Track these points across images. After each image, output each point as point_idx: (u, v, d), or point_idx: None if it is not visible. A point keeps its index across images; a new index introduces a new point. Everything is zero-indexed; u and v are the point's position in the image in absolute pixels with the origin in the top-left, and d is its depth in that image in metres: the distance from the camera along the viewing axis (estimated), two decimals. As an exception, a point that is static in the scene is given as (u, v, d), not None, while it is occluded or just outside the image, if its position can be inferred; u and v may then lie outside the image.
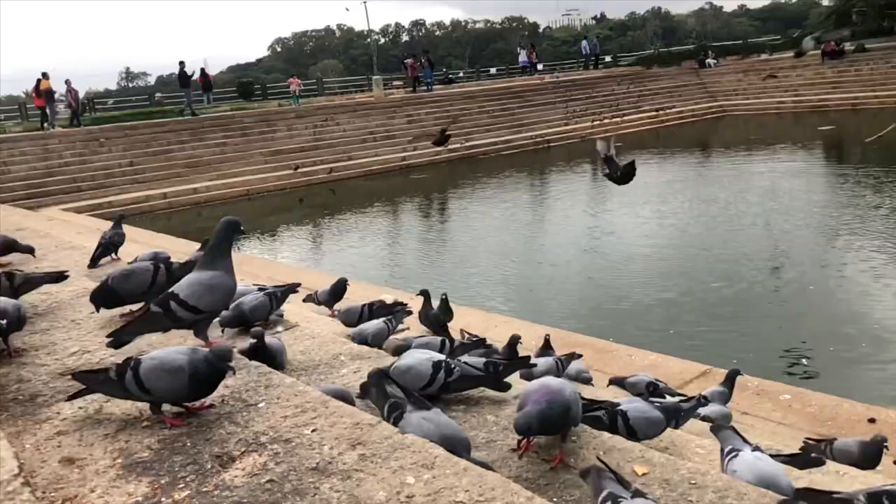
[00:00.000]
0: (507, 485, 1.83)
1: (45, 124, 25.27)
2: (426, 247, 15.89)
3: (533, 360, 3.86)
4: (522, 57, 41.92)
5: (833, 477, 3.30)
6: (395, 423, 2.31)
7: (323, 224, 18.76)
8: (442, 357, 3.03)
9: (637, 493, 2.00)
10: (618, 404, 3.05)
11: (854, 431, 5.12)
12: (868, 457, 3.74)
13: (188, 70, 28.57)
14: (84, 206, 18.85)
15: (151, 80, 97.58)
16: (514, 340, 4.09)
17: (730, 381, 4.84)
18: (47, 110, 25.26)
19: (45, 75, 25.15)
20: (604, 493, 1.96)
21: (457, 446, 2.16)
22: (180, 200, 20.65)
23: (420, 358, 2.97)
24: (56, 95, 26.59)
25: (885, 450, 3.82)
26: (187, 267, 3.98)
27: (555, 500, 1.86)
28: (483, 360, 3.14)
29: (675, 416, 3.25)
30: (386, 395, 2.53)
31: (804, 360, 7.78)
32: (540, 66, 43.75)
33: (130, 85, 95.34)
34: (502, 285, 12.03)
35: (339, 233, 17.80)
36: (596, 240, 14.58)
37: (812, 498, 2.18)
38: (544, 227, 17.01)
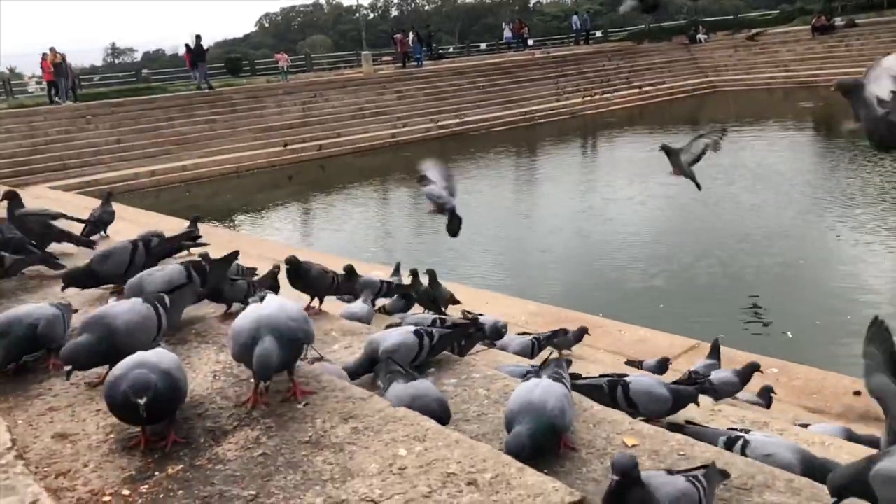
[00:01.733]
0: (498, 456, 1.85)
1: (56, 98, 24.69)
2: (416, 224, 15.86)
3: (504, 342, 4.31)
4: (507, 33, 41.74)
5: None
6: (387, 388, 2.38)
7: (312, 201, 18.68)
8: (418, 326, 3.13)
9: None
10: (625, 376, 3.10)
11: (840, 403, 5.20)
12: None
13: (203, 45, 28.27)
14: (72, 184, 18.68)
15: (138, 57, 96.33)
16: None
17: (715, 353, 4.89)
18: (60, 84, 24.70)
19: (52, 50, 24.69)
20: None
21: (430, 405, 2.20)
22: (169, 178, 20.50)
23: (403, 333, 3.03)
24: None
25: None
26: (164, 245, 3.96)
27: (545, 471, 1.87)
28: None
29: (688, 400, 3.15)
30: (388, 373, 2.62)
31: (789, 334, 7.86)
32: (530, 42, 43.46)
33: (116, 61, 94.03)
34: (492, 262, 12.05)
35: (328, 210, 17.75)
36: (585, 218, 14.58)
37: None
38: (534, 205, 17.00)
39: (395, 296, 5.29)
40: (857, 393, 5.18)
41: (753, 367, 4.52)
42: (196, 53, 28.17)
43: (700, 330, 7.17)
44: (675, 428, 2.89)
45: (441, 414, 2.27)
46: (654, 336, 6.62)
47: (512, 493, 1.68)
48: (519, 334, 5.26)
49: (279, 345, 2.18)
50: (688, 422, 3.08)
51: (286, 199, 18.96)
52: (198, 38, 28.51)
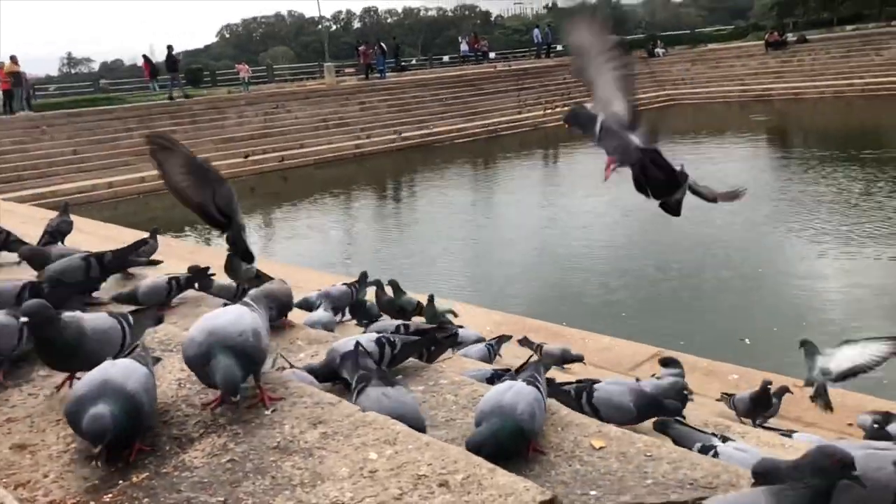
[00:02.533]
0: (469, 457, 1.85)
1: (14, 107, 23.96)
2: (380, 235, 15.84)
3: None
4: (464, 46, 42.07)
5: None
6: (359, 394, 2.34)
7: (275, 213, 18.54)
8: (382, 333, 3.11)
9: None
10: (597, 382, 3.15)
11: (797, 408, 5.30)
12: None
13: (173, 55, 28.23)
14: (27, 195, 18.25)
15: (96, 67, 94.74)
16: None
17: (674, 363, 4.92)
18: (15, 94, 24.05)
19: (12, 58, 24.09)
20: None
21: (407, 422, 2.18)
22: (126, 189, 20.15)
23: (364, 340, 3.02)
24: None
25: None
26: (119, 259, 3.87)
27: (514, 472, 1.88)
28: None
29: (657, 411, 3.16)
30: (357, 366, 2.59)
31: (747, 341, 8.01)
32: (492, 55, 43.84)
33: (73, 71, 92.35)
34: (456, 272, 12.08)
35: (291, 221, 17.62)
36: (549, 229, 14.72)
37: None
38: (498, 216, 17.11)
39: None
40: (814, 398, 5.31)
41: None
42: (169, 63, 27.99)
43: (662, 338, 7.28)
44: (660, 426, 2.96)
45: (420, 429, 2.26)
46: (618, 344, 6.68)
47: (483, 493, 1.68)
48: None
49: (236, 359, 2.13)
50: (678, 420, 3.15)
51: (248, 210, 18.77)
52: (170, 48, 28.28)
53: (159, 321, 3.01)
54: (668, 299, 9.88)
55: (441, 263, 12.61)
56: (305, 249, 14.33)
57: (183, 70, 32.90)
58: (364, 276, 5.69)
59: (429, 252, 13.63)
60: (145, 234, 6.34)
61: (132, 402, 1.98)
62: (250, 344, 2.18)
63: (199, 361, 2.14)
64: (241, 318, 2.25)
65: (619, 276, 10.92)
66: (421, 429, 2.22)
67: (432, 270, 12.08)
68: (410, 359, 3.55)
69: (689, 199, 2.80)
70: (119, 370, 2.07)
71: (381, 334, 3.11)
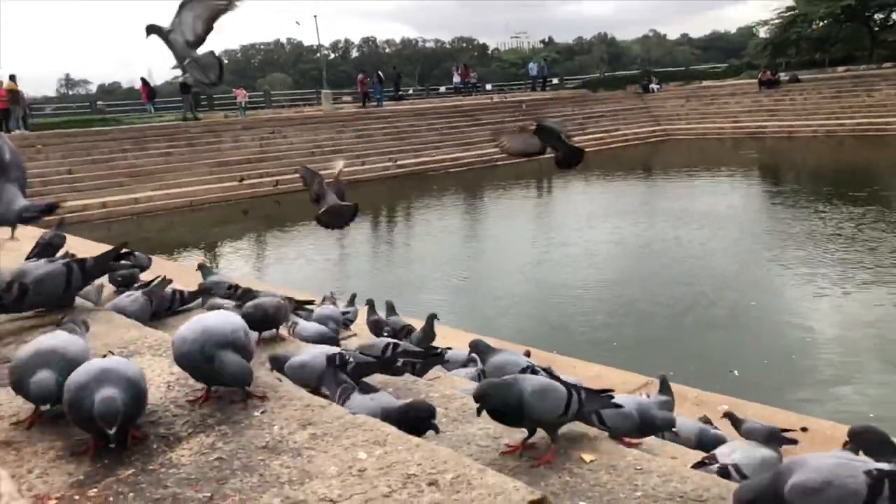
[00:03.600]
0: (459, 458, 1.84)
1: (11, 126, 23.94)
2: (372, 260, 15.84)
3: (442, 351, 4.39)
4: (456, 78, 42.41)
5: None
6: (343, 403, 2.35)
7: (267, 237, 18.53)
8: (335, 350, 3.10)
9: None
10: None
11: (789, 438, 5.29)
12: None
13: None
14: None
15: (93, 89, 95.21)
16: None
17: (665, 388, 4.90)
18: (12, 113, 24.10)
19: (12, 77, 24.18)
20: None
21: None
22: (120, 210, 20.14)
23: (314, 353, 3.02)
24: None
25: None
26: (101, 265, 3.84)
27: (504, 472, 1.87)
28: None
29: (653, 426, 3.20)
30: (338, 381, 2.60)
31: (735, 372, 8.00)
32: (488, 87, 44.33)
33: (70, 92, 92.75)
34: (448, 298, 12.07)
35: (283, 245, 17.60)
36: (541, 258, 14.75)
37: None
38: (491, 243, 17.14)
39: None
40: (805, 429, 5.30)
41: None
42: (183, 84, 28.21)
43: (652, 368, 7.27)
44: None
45: None
46: (609, 373, 6.66)
47: (473, 492, 1.67)
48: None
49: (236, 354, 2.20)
50: None
51: (241, 233, 18.77)
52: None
53: None
54: (660, 330, 9.88)
55: (432, 290, 12.61)
56: (297, 272, 14.31)
57: (179, 94, 33.09)
58: (353, 297, 5.84)
59: (420, 278, 13.63)
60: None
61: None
62: (242, 341, 2.23)
63: (195, 358, 2.17)
64: (228, 317, 2.31)
65: (610, 307, 10.94)
66: None
67: (421, 294, 12.07)
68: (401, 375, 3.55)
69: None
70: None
71: (329, 352, 3.09)
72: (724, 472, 2.86)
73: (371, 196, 23.68)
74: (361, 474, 1.76)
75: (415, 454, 1.85)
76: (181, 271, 8.73)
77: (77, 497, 1.80)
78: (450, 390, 3.17)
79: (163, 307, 4.40)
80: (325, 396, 2.67)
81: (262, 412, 2.20)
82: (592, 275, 12.90)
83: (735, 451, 3.06)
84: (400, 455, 1.85)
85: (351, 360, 3.00)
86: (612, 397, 2.82)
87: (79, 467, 1.94)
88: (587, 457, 2.54)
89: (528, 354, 5.04)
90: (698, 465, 2.96)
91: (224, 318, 2.34)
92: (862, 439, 2.70)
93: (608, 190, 23.89)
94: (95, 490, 1.82)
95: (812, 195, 19.99)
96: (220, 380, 2.24)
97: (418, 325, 7.02)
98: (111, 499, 1.77)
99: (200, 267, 5.84)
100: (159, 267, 6.76)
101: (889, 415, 6.74)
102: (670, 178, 25.54)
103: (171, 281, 5.00)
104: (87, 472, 1.91)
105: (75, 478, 1.90)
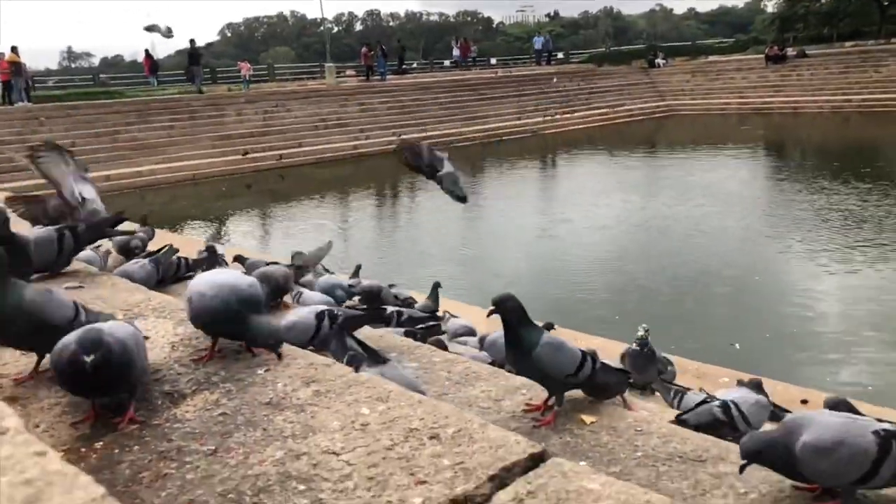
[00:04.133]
0: (460, 413, 1.86)
1: (14, 98, 23.86)
2: (375, 234, 15.85)
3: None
4: (455, 52, 41.84)
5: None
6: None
7: (270, 210, 18.52)
8: (322, 307, 3.11)
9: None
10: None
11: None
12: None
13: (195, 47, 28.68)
14: (22, 186, 18.16)
15: (96, 62, 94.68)
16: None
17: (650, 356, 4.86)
18: (14, 84, 23.96)
19: (13, 49, 24.04)
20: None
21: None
22: (123, 183, 20.09)
23: (301, 313, 3.03)
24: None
25: None
26: (93, 231, 3.86)
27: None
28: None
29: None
30: (346, 347, 2.62)
31: (736, 346, 8.03)
32: (493, 61, 44.01)
33: (73, 65, 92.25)
34: (451, 272, 12.08)
35: (286, 219, 17.60)
36: (545, 231, 14.75)
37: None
38: (493, 218, 17.11)
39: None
40: (805, 402, 5.33)
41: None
42: (191, 57, 28.11)
43: (654, 342, 7.30)
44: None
45: None
46: (609, 345, 6.68)
47: (474, 445, 1.69)
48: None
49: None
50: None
51: (244, 207, 18.76)
52: (192, 42, 28.41)
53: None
54: (662, 305, 9.89)
55: (434, 262, 12.62)
56: (299, 247, 14.29)
57: (182, 67, 32.97)
58: (358, 268, 5.88)
59: (422, 252, 13.65)
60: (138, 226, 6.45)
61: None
62: (258, 296, 2.36)
63: (218, 311, 2.25)
64: (241, 275, 2.36)
65: (612, 282, 10.96)
66: None
67: (424, 268, 12.09)
68: (405, 339, 3.57)
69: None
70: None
71: (318, 310, 3.12)
72: (724, 406, 2.98)
73: (374, 170, 23.65)
74: (364, 429, 1.78)
75: (417, 409, 1.87)
76: (185, 243, 8.76)
77: (84, 450, 1.82)
78: (452, 355, 3.19)
79: (168, 274, 4.45)
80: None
81: (266, 370, 2.21)
82: (594, 250, 12.91)
83: (731, 393, 3.20)
84: (402, 410, 1.87)
85: (339, 314, 3.01)
86: (629, 374, 2.92)
87: (84, 422, 1.96)
88: (587, 418, 2.57)
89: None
90: (700, 405, 3.07)
91: (237, 275, 2.38)
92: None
93: (612, 166, 23.80)
94: (101, 443, 1.84)
95: (816, 171, 19.90)
96: (243, 336, 2.28)
97: (419, 298, 7.07)
98: (116, 450, 1.80)
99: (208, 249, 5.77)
100: (163, 239, 6.80)
101: (887, 388, 6.79)
102: (674, 153, 25.41)
103: (177, 250, 5.03)
104: (92, 427, 1.93)
105: (81, 432, 1.92)
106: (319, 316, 2.98)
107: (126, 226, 5.41)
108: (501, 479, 1.58)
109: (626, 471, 2.18)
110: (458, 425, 1.77)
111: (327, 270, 5.90)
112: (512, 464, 1.63)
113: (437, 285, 5.59)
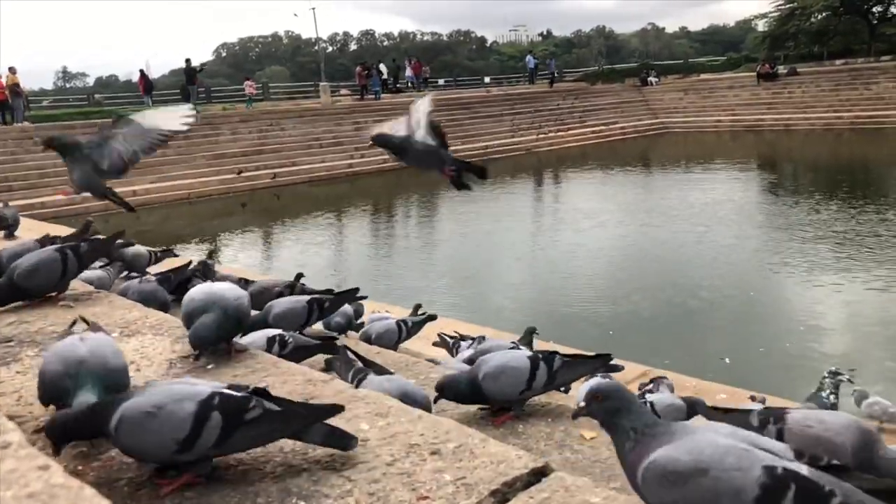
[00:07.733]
0: (461, 428, 1.85)
1: (10, 118, 23.93)
2: (370, 253, 15.85)
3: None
4: (408, 72, 40.24)
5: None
6: (359, 384, 2.38)
7: (265, 229, 18.52)
8: (275, 331, 3.08)
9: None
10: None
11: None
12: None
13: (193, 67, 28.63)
14: (16, 206, 18.12)
15: (90, 81, 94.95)
16: None
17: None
18: (13, 105, 23.97)
19: (12, 69, 24.11)
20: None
21: (416, 403, 2.20)
22: (118, 202, 20.08)
23: (253, 337, 3.00)
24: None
25: None
26: (96, 249, 3.84)
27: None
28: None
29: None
30: (350, 364, 2.65)
31: (727, 360, 8.06)
32: (487, 80, 44.34)
33: (68, 85, 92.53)
34: (444, 290, 12.10)
35: (281, 238, 17.61)
36: (538, 251, 14.78)
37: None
38: (487, 235, 17.14)
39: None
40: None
41: None
42: (188, 76, 28.14)
43: (649, 358, 7.30)
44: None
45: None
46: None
47: (475, 460, 1.68)
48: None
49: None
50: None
51: (239, 226, 18.76)
52: (188, 61, 28.45)
53: None
54: (657, 321, 9.93)
55: (429, 279, 12.63)
56: (294, 265, 14.28)
57: (177, 86, 33.08)
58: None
59: (416, 267, 13.66)
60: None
61: None
62: (245, 308, 2.45)
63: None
64: (234, 288, 2.38)
65: (607, 298, 10.99)
66: (427, 409, 2.23)
67: (419, 285, 12.10)
68: (402, 354, 3.57)
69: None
70: None
71: (270, 334, 3.06)
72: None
73: (369, 189, 23.71)
74: (364, 444, 1.77)
75: (417, 425, 1.86)
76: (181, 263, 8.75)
77: (81, 467, 1.81)
78: (450, 370, 3.18)
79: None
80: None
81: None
82: (589, 265, 12.94)
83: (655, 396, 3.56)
84: (403, 426, 1.86)
85: (290, 340, 3.00)
86: (611, 357, 2.96)
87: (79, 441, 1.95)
88: (588, 434, 2.56)
89: (533, 332, 5.07)
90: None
91: (230, 287, 2.50)
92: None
93: (605, 182, 23.91)
94: (98, 462, 1.83)
95: (808, 188, 20.03)
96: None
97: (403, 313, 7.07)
98: (114, 468, 1.78)
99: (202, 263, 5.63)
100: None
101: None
102: (668, 171, 25.55)
103: (190, 262, 5.03)
104: (88, 446, 1.92)
105: (78, 449, 1.90)
106: (271, 341, 2.97)
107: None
108: (503, 495, 1.58)
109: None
110: (459, 440, 1.77)
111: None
112: (514, 479, 1.62)
113: (418, 307, 5.60)
